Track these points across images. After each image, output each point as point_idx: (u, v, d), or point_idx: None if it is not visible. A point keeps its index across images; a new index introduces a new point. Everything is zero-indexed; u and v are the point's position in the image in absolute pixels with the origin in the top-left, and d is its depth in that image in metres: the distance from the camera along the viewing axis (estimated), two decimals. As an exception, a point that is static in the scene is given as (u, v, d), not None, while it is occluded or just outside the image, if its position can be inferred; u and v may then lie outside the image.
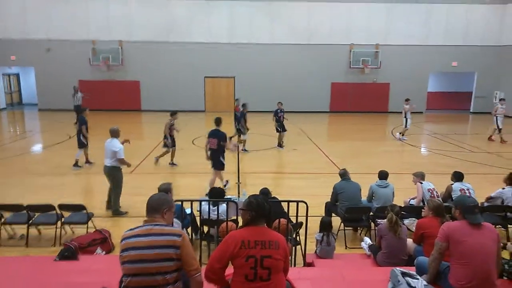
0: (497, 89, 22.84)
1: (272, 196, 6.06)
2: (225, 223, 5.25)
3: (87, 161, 10.96)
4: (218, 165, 8.59)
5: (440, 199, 6.53)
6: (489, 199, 6.82)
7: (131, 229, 2.96)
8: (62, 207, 6.29)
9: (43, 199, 6.86)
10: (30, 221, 6.26)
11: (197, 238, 5.99)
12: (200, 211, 5.84)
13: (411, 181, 7.12)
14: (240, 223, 3.55)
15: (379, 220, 6.12)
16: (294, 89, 22.61)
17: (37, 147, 14.19)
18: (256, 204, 3.09)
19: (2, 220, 6.28)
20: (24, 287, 3.70)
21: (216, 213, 5.65)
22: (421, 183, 6.84)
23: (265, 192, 5.90)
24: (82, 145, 10.66)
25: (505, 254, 4.18)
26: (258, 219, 3.08)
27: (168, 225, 3.03)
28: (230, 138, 12.81)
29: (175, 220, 4.84)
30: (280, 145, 13.68)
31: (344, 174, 6.91)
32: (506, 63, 22.52)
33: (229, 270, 3.04)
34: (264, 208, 3.10)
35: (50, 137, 15.22)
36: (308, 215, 5.15)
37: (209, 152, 8.61)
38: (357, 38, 22.53)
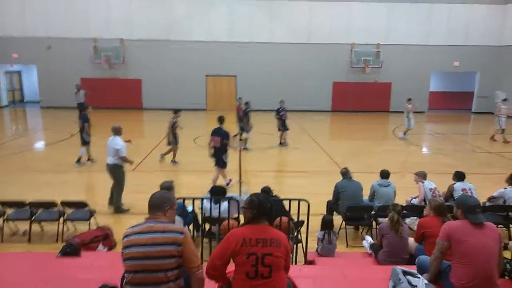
0: (499, 89, 22.77)
1: (274, 194, 6.07)
2: (226, 221, 5.27)
3: (89, 159, 10.99)
4: (220, 163, 8.65)
5: (441, 198, 6.54)
6: (491, 199, 6.83)
7: (133, 226, 2.97)
8: (65, 204, 6.32)
9: (45, 196, 6.89)
10: (33, 218, 6.29)
11: (198, 235, 6.01)
12: (202, 208, 5.86)
13: (413, 181, 7.13)
14: (242, 221, 3.56)
15: (380, 219, 6.12)
16: (295, 88, 22.60)
17: (39, 145, 14.22)
18: (258, 202, 3.10)
19: (5, 216, 6.31)
20: (27, 283, 3.71)
21: (217, 211, 5.66)
22: (423, 182, 6.84)
23: (266, 190, 5.90)
24: (85, 142, 10.69)
25: (506, 254, 4.18)
26: (260, 217, 3.09)
27: (170, 223, 3.03)
28: (234, 136, 12.84)
29: (177, 217, 4.85)
30: (281, 143, 13.69)
31: (345, 173, 6.92)
32: (508, 63, 22.46)
33: (230, 267, 3.05)
34: (266, 206, 3.11)
35: (52, 135, 15.26)
36: (310, 213, 5.15)
37: (212, 150, 8.66)
38: (358, 38, 22.50)
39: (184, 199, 5.45)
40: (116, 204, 7.54)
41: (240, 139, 13.31)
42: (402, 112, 16.18)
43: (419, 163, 11.49)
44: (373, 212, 6.52)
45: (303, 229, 5.56)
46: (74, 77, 21.44)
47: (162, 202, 3.05)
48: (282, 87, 22.21)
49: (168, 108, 19.91)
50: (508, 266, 4.00)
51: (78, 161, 10.72)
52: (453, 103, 25.25)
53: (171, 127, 10.82)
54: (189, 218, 5.92)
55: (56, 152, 12.48)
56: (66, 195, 7.33)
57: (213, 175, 8.83)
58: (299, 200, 5.01)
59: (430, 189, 6.70)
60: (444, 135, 16.43)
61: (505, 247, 4.26)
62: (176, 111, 11.03)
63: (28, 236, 6.25)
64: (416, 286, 3.50)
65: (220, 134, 8.54)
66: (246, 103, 13.29)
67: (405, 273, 3.68)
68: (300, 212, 5.04)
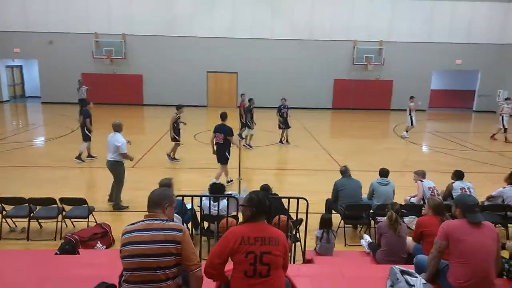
0: (500, 87, 22.73)
1: (273, 192, 6.07)
2: (225, 218, 5.27)
3: (89, 155, 11.00)
4: (223, 160, 8.72)
5: (440, 197, 6.53)
6: (489, 198, 6.83)
7: (132, 224, 2.97)
8: (63, 200, 6.32)
9: (44, 193, 6.90)
10: (32, 215, 6.29)
11: (197, 233, 6.01)
12: (200, 206, 5.86)
13: (412, 179, 7.13)
14: (241, 219, 3.56)
15: (379, 218, 6.12)
16: (296, 85, 22.59)
17: (40, 140, 14.23)
18: (257, 200, 3.10)
19: (4, 213, 6.32)
20: (25, 280, 3.72)
21: (216, 208, 5.67)
22: (422, 181, 6.84)
23: (265, 188, 5.91)
24: (87, 138, 10.70)
25: (504, 254, 4.18)
26: (259, 215, 3.09)
27: (168, 220, 3.03)
28: (239, 134, 12.82)
29: (175, 215, 4.85)
30: (281, 141, 13.69)
31: (345, 171, 6.91)
32: (510, 61, 22.40)
33: (229, 265, 3.05)
34: (265, 205, 3.10)
35: (53, 130, 15.26)
36: (309, 211, 5.15)
37: (215, 147, 8.70)
38: (360, 35, 22.45)
39: (183, 197, 5.45)
40: (115, 201, 7.54)
41: (240, 135, 13.28)
42: (403, 110, 16.17)
43: (419, 161, 11.49)
44: (371, 211, 6.53)
45: (302, 227, 5.57)
46: (75, 72, 21.48)
47: (161, 199, 3.06)
48: (283, 84, 22.21)
49: (169, 104, 19.98)
50: (506, 265, 4.00)
51: (79, 157, 10.72)
52: (454, 101, 25.22)
53: (173, 123, 10.82)
54: (187, 215, 5.92)
55: (57, 148, 12.48)
56: (66, 191, 7.35)
57: (215, 172, 8.88)
58: (297, 199, 5.01)
59: (429, 188, 6.70)
60: (444, 134, 16.41)
61: (503, 247, 4.26)
62: (179, 107, 11.03)
63: (27, 233, 6.26)
64: (414, 285, 3.50)
65: (223, 131, 8.60)
66: (250, 100, 13.28)
67: (403, 272, 3.69)
68: (299, 211, 5.04)
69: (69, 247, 5.03)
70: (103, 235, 5.95)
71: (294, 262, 5.25)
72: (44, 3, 21.47)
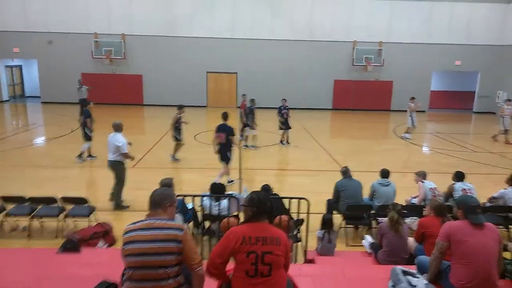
0: (500, 88, 22.74)
1: (274, 192, 6.07)
2: (226, 218, 5.27)
3: (89, 155, 11.00)
4: (226, 159, 8.78)
5: (441, 198, 6.53)
6: (491, 199, 6.83)
7: (133, 223, 2.98)
8: (65, 200, 6.32)
9: (46, 192, 6.90)
10: (33, 213, 6.29)
11: (198, 233, 6.01)
12: (202, 206, 5.86)
13: (413, 180, 7.12)
14: (242, 219, 3.56)
15: (380, 219, 6.12)
16: (296, 85, 22.59)
17: (40, 140, 14.22)
18: (258, 200, 3.10)
19: (5, 212, 6.32)
20: (26, 278, 3.72)
21: (217, 208, 5.67)
22: (423, 182, 6.84)
23: (266, 188, 5.90)
24: (88, 138, 10.71)
25: (506, 255, 4.18)
26: (260, 215, 3.09)
27: (170, 220, 3.04)
28: (242, 135, 12.82)
29: (176, 215, 4.86)
30: (282, 142, 13.69)
31: (345, 172, 6.91)
32: (509, 62, 22.39)
33: (230, 265, 3.05)
34: (266, 205, 3.10)
35: (52, 130, 15.25)
36: (310, 212, 5.15)
37: (217, 147, 8.75)
38: (360, 36, 22.45)
39: (184, 196, 5.45)
40: (116, 201, 7.54)
41: (242, 136, 13.27)
42: (403, 111, 16.18)
43: (420, 162, 11.49)
44: (373, 212, 6.52)
45: (303, 227, 5.57)
46: (74, 72, 21.46)
47: (163, 199, 3.07)
48: (283, 84, 22.21)
49: (169, 104, 19.98)
50: (509, 266, 4.00)
51: (80, 156, 10.73)
52: (454, 102, 25.23)
53: (175, 123, 10.84)
54: (188, 215, 5.92)
55: (57, 148, 12.48)
56: (67, 191, 7.34)
57: (216, 172, 8.93)
58: (299, 199, 5.01)
59: (430, 189, 6.70)
60: (445, 135, 16.42)
61: (505, 249, 4.26)
62: (180, 107, 11.09)
63: (28, 232, 6.25)
64: (415, 286, 3.50)
65: (225, 130, 8.67)
66: (252, 100, 13.28)
67: (404, 273, 3.69)
68: (300, 211, 5.04)
69: (71, 245, 5.02)
70: (104, 234, 5.93)
71: (295, 262, 5.25)
72: (44, 3, 21.46)
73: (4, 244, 6.02)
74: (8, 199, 6.32)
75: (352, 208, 6.40)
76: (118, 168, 7.52)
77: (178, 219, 5.00)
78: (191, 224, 6.11)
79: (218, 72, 22.89)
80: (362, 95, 23.22)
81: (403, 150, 13.87)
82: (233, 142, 8.81)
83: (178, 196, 4.68)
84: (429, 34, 22.55)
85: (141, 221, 2.98)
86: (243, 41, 22.26)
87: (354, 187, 6.67)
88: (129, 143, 7.84)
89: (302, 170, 10.73)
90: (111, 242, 5.99)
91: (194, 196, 5.55)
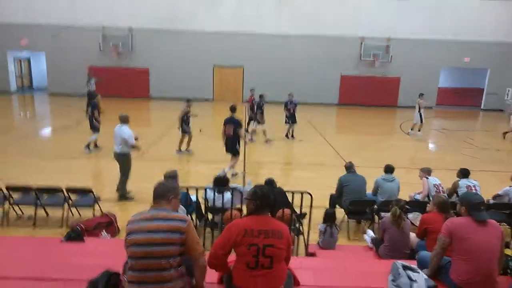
0: (509, 86, 22.51)
1: (277, 186, 6.08)
2: (229, 211, 5.30)
3: (95, 146, 11.11)
4: (234, 151, 8.85)
5: (445, 194, 6.51)
6: (496, 196, 6.79)
7: (137, 214, 3.02)
8: (70, 190, 6.38)
9: (51, 182, 6.97)
10: (38, 203, 6.36)
11: (201, 225, 6.05)
12: (206, 198, 5.89)
13: (417, 176, 7.10)
14: (245, 212, 3.58)
15: (383, 214, 6.12)
16: (303, 80, 22.50)
17: (47, 131, 14.33)
18: (261, 193, 3.12)
19: (11, 200, 6.40)
20: (31, 266, 3.77)
21: (221, 201, 5.70)
22: (427, 178, 6.82)
23: (269, 182, 5.92)
24: (96, 129, 10.81)
25: (508, 252, 4.17)
26: (262, 208, 3.11)
27: (173, 211, 3.07)
28: (247, 129, 12.84)
29: (180, 206, 4.89)
30: (287, 136, 13.68)
31: (350, 167, 6.91)
32: (519, 60, 22.17)
33: (232, 257, 3.08)
34: (269, 198, 3.12)
35: (59, 121, 15.37)
36: (313, 206, 5.16)
37: (225, 139, 8.87)
38: (367, 31, 22.27)
39: (187, 189, 5.48)
40: (121, 192, 7.60)
41: (247, 130, 13.30)
42: (410, 107, 16.07)
43: (425, 158, 11.43)
44: (376, 207, 6.52)
45: (305, 221, 5.58)
46: (82, 65, 21.52)
47: (166, 191, 3.09)
48: (289, 79, 22.13)
49: (176, 97, 20.02)
50: (511, 263, 3.99)
51: (88, 146, 10.84)
52: (462, 99, 25.01)
53: (183, 116, 10.90)
54: (192, 207, 5.95)
55: (64, 138, 12.58)
56: (73, 181, 7.41)
57: (221, 165, 8.99)
58: (302, 193, 5.02)
59: (434, 185, 6.68)
60: (452, 131, 16.31)
61: (507, 246, 4.24)
62: (189, 101, 11.15)
63: (33, 221, 6.33)
64: (415, 281, 3.50)
65: (233, 123, 8.74)
66: (261, 96, 13.29)
67: (405, 267, 3.68)
68: (303, 205, 5.05)
69: (75, 235, 5.09)
70: (108, 224, 6.01)
71: (297, 255, 5.27)
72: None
73: (10, 233, 6.11)
74: (14, 188, 6.39)
75: (355, 203, 6.40)
76: (123, 159, 7.56)
77: (182, 211, 5.03)
78: (194, 216, 6.15)
79: (224, 66, 22.87)
80: (368, 91, 23.08)
81: (409, 147, 13.81)
82: (240, 135, 8.85)
83: (182, 188, 4.71)
84: (437, 31, 22.30)
85: (145, 212, 3.02)
86: (250, 35, 22.19)
87: (358, 182, 6.66)
88: (136, 138, 7.90)
89: (306, 164, 10.72)
90: (114, 232, 6.06)
91: (198, 188, 5.57)
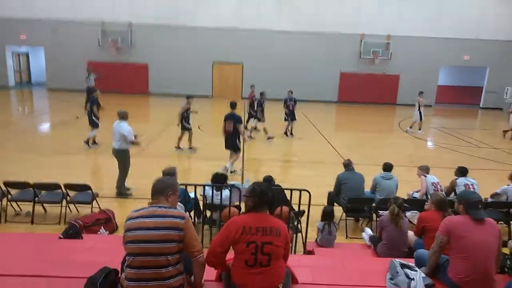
0: (508, 84, 22.52)
1: (276, 183, 6.08)
2: (227, 208, 5.30)
3: (94, 142, 11.08)
4: (234, 148, 8.86)
5: (443, 193, 6.52)
6: (494, 195, 6.80)
7: (136, 210, 3.00)
8: (68, 186, 6.37)
9: (49, 178, 6.95)
10: (36, 199, 6.35)
11: (199, 222, 6.05)
12: (204, 195, 5.89)
13: (416, 174, 7.10)
14: (243, 209, 3.58)
15: (381, 212, 6.13)
16: (302, 77, 22.47)
17: (45, 126, 14.30)
18: (260, 191, 3.11)
19: (9, 197, 6.38)
20: (29, 263, 3.76)
21: (219, 198, 5.70)
22: (426, 176, 6.82)
23: (268, 179, 5.92)
24: (95, 124, 10.78)
25: (506, 251, 4.18)
26: (261, 206, 3.10)
27: (172, 208, 3.06)
28: (246, 126, 12.83)
29: (178, 203, 4.88)
30: (286, 133, 13.68)
31: (348, 165, 6.90)
32: (519, 58, 22.18)
33: (230, 254, 3.07)
34: (267, 195, 3.12)
35: (58, 117, 15.34)
36: (311, 204, 5.16)
37: (225, 135, 8.88)
38: (367, 28, 22.25)
39: (186, 185, 5.48)
40: (119, 188, 7.59)
41: (246, 128, 13.29)
42: (410, 105, 16.07)
43: (424, 157, 11.44)
44: (374, 205, 6.52)
45: (303, 219, 5.58)
46: (81, 60, 21.47)
47: (165, 187, 3.09)
48: (288, 76, 22.10)
49: (174, 94, 19.99)
50: (508, 262, 4.00)
51: (87, 142, 10.82)
52: (461, 97, 25.03)
53: (183, 113, 10.87)
54: (190, 204, 5.95)
55: (62, 134, 12.56)
56: (72, 177, 7.39)
57: (221, 161, 9.01)
58: (300, 190, 5.02)
59: (433, 184, 6.69)
60: (450, 130, 16.32)
61: (505, 245, 4.25)
62: (189, 97, 11.12)
63: (31, 217, 6.32)
64: (413, 279, 3.51)
65: (233, 119, 8.75)
66: (262, 93, 13.26)
67: (403, 265, 3.69)
68: (302, 202, 5.05)
69: (73, 231, 5.08)
70: (107, 221, 6.00)
71: (295, 253, 5.27)
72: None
73: (8, 229, 6.09)
74: (12, 184, 6.37)
75: (353, 200, 6.40)
76: (122, 155, 7.55)
77: (180, 208, 5.03)
78: (192, 213, 6.15)
79: (223, 62, 22.82)
80: (368, 89, 23.08)
81: (407, 145, 13.82)
82: (240, 131, 8.86)
83: (180, 185, 4.71)
84: (437, 28, 22.29)
85: (144, 208, 3.00)
86: (249, 32, 22.15)
87: (356, 180, 6.66)
88: (135, 136, 7.89)
89: (305, 161, 10.72)
90: (112, 228, 6.06)
91: (196, 185, 5.57)
